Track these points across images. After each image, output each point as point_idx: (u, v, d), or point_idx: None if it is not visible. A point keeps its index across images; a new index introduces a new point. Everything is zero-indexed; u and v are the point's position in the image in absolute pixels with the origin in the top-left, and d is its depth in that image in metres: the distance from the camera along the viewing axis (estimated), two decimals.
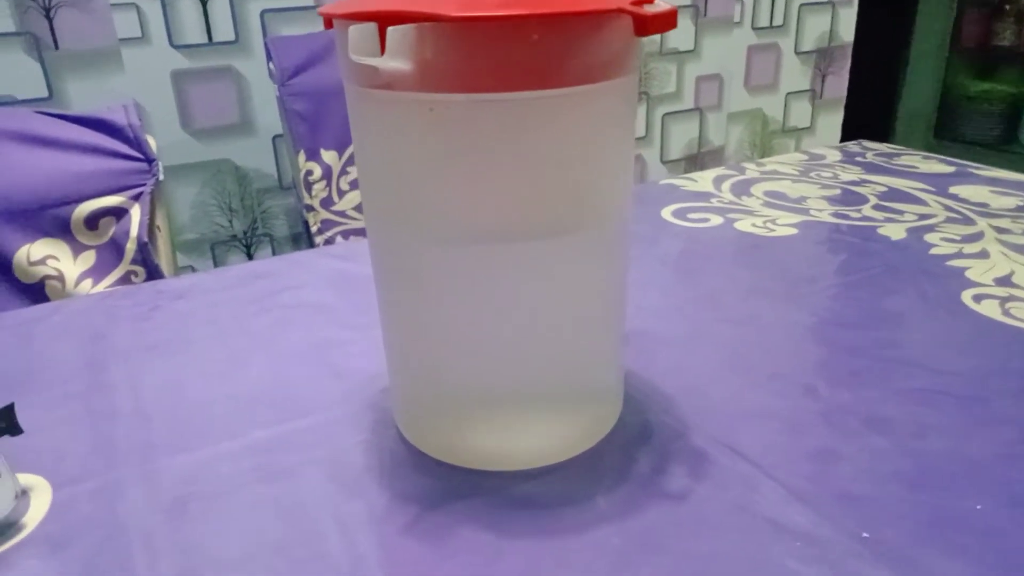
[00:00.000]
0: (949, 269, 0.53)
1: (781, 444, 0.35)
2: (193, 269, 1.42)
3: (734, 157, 1.98)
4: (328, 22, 0.29)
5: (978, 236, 0.59)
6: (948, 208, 0.65)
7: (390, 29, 0.25)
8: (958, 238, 0.59)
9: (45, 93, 1.22)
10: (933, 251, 0.56)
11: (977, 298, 0.49)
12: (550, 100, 0.27)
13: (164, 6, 1.27)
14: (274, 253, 1.50)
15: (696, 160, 1.93)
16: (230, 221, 1.44)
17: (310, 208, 1.20)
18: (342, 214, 1.22)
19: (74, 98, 1.24)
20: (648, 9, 0.26)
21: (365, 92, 0.28)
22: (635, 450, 0.35)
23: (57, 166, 0.76)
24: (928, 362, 0.41)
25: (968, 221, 0.62)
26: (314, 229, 1.21)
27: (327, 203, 1.20)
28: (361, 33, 0.26)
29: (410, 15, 0.25)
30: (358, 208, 1.22)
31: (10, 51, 1.18)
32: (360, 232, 1.22)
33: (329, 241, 1.21)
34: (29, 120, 0.77)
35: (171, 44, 1.29)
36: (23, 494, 0.32)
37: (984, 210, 0.65)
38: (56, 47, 1.21)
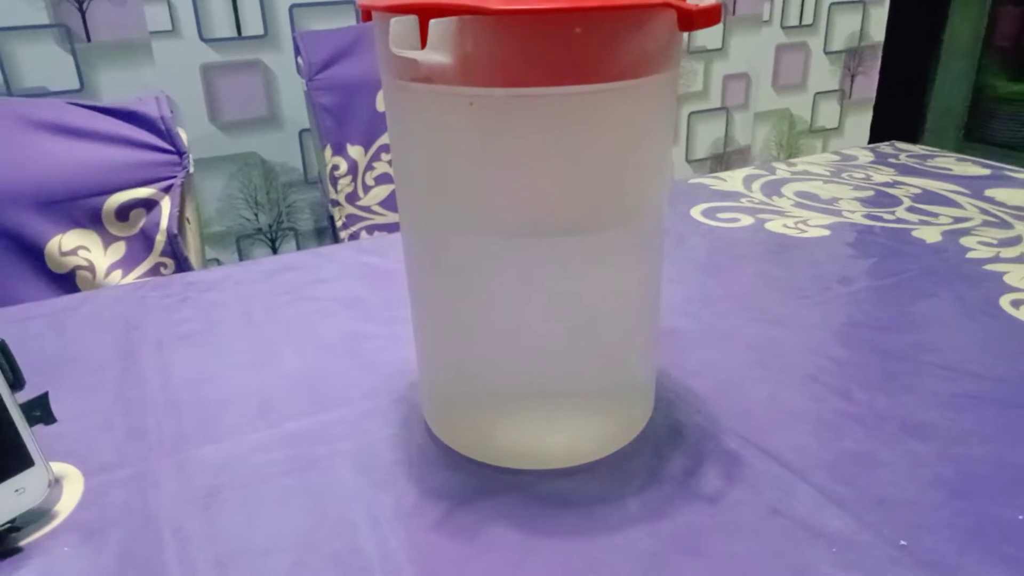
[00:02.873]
0: (986, 273, 0.52)
1: (816, 447, 0.34)
2: (218, 262, 1.43)
3: (760, 157, 1.96)
4: (367, 14, 0.29)
5: (1016, 240, 0.58)
6: (984, 211, 0.64)
7: (432, 22, 0.25)
8: (995, 242, 0.57)
9: (77, 85, 1.23)
10: (970, 255, 0.55)
11: (1016, 303, 0.48)
12: (592, 95, 0.26)
13: (195, 0, 1.28)
14: (299, 247, 1.50)
15: (722, 160, 1.92)
16: (256, 215, 1.45)
17: (335, 203, 1.20)
18: (367, 209, 1.22)
19: (105, 90, 1.25)
20: (692, 3, 0.26)
21: (404, 85, 0.28)
22: (667, 451, 0.35)
23: (89, 157, 0.76)
24: (967, 367, 0.40)
25: (1005, 225, 0.61)
26: (339, 224, 1.21)
27: (352, 198, 1.21)
28: (402, 26, 0.26)
29: (452, 8, 0.24)
30: (383, 203, 1.22)
31: (43, 43, 1.20)
32: (385, 227, 1.22)
33: (354, 236, 1.21)
34: (62, 111, 0.78)
35: (201, 38, 1.30)
36: (55, 483, 0.33)
37: (1022, 213, 0.63)
38: (88, 39, 1.22)
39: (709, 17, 0.26)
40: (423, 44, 0.25)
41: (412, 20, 0.25)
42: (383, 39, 0.28)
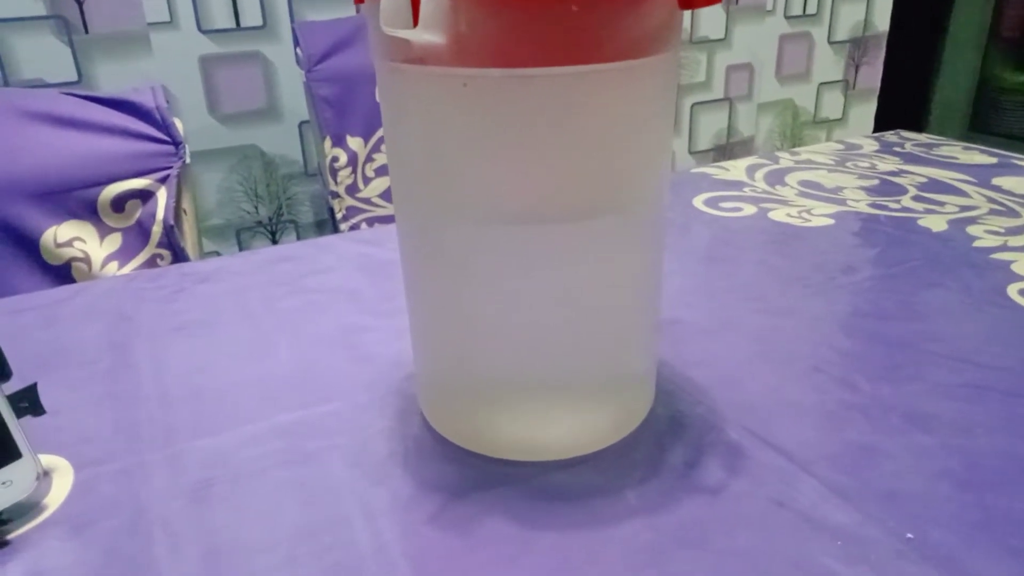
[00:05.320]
0: (994, 262, 0.51)
1: (820, 439, 0.34)
2: (218, 254, 1.43)
3: (764, 148, 1.95)
4: None
5: (1023, 229, 0.57)
6: (991, 200, 0.63)
7: None
8: (1002, 230, 0.57)
9: (74, 76, 1.23)
10: (976, 243, 0.54)
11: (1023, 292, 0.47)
12: (589, 76, 0.26)
13: None
14: (299, 239, 1.50)
15: (725, 151, 1.90)
16: (255, 207, 1.44)
17: (335, 195, 1.19)
18: (367, 201, 1.21)
19: (103, 82, 1.25)
20: None
21: (396, 67, 0.28)
22: (667, 442, 0.34)
23: (84, 148, 0.76)
24: (974, 357, 0.40)
25: (1012, 213, 0.60)
26: (339, 216, 1.21)
27: (352, 190, 1.20)
28: (393, 4, 0.25)
29: None
30: (383, 195, 1.21)
31: (40, 34, 1.19)
32: (385, 219, 1.21)
33: (354, 228, 1.21)
34: (58, 101, 0.78)
35: (199, 29, 1.29)
36: (44, 475, 0.32)
37: None
38: (86, 31, 1.21)
39: None
40: (415, 23, 0.24)
41: None
42: (374, 19, 0.27)
